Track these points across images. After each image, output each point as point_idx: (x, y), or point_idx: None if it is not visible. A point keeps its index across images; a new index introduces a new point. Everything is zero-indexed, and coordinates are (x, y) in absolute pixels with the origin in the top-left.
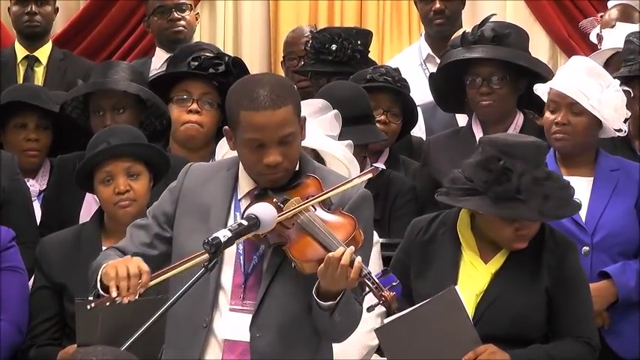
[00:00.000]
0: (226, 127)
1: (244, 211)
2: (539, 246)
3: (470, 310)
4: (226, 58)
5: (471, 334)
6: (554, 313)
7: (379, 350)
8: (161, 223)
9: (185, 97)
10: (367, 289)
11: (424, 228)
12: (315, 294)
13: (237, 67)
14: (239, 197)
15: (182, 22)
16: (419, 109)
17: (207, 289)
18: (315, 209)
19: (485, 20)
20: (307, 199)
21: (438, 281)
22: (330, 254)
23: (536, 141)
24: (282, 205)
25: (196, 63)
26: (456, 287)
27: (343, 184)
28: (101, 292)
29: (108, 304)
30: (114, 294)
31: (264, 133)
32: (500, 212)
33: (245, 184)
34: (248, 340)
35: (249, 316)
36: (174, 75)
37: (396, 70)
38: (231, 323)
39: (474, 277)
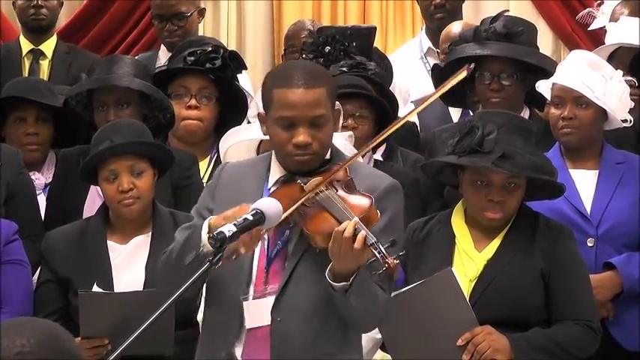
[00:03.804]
0: (261, 111)
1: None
2: (533, 232)
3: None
4: (222, 51)
5: (468, 316)
6: (552, 297)
7: (383, 346)
8: (207, 218)
9: (183, 92)
10: (373, 257)
11: (420, 228)
12: (328, 276)
13: (234, 60)
14: (269, 186)
15: (178, 32)
16: (412, 105)
17: (239, 280)
18: (337, 190)
19: (499, 16)
20: (331, 182)
21: (433, 272)
22: (336, 228)
23: (525, 118)
24: (304, 185)
25: (193, 58)
26: (453, 269)
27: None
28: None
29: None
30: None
31: (295, 111)
32: (458, 161)
33: (275, 172)
34: (269, 323)
35: (271, 300)
36: (171, 71)
37: (360, 63)
38: (255, 310)
39: (467, 265)
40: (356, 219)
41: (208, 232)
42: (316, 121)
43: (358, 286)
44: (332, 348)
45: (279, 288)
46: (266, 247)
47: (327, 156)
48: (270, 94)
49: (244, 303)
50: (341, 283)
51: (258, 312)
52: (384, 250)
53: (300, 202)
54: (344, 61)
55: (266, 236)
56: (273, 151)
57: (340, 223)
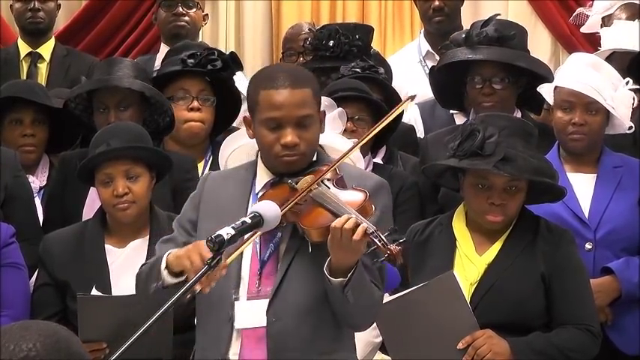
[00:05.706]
0: (246, 115)
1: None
2: (534, 235)
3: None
4: (216, 52)
5: (469, 319)
6: (553, 301)
7: (382, 348)
8: (189, 231)
9: (182, 95)
10: (373, 245)
11: (420, 230)
12: (326, 272)
13: (233, 62)
14: (257, 192)
15: (186, 18)
16: (416, 107)
17: (228, 284)
18: (329, 187)
19: (490, 20)
20: (322, 180)
21: (433, 275)
22: (334, 221)
23: (525, 121)
24: (295, 185)
25: (193, 60)
26: (454, 272)
27: (349, 152)
28: (170, 279)
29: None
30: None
31: (281, 112)
32: (459, 164)
33: (263, 177)
34: (264, 325)
35: (265, 302)
36: (170, 74)
37: (366, 65)
38: (248, 312)
39: (468, 269)
40: (355, 213)
41: (166, 268)
42: (303, 121)
43: (355, 282)
44: (327, 347)
45: (274, 289)
46: (258, 250)
47: (314, 158)
48: (256, 97)
49: (235, 304)
50: (339, 279)
51: (251, 313)
52: (384, 238)
53: (294, 200)
54: (355, 63)
55: (257, 240)
56: (258, 157)
57: (337, 216)
